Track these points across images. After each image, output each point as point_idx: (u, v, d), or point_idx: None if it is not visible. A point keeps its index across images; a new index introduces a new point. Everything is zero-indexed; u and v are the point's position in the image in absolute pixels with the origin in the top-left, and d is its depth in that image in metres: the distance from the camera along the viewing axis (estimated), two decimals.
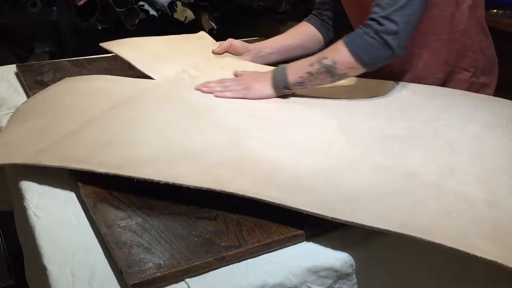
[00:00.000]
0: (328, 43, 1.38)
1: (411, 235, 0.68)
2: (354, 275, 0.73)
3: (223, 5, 2.26)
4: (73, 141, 0.89)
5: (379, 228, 0.70)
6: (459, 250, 0.66)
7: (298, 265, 0.69)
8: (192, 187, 0.77)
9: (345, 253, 0.72)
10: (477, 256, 0.65)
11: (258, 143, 0.92)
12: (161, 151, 0.87)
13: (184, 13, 2.14)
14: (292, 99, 1.13)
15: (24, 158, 0.84)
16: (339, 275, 0.71)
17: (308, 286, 0.69)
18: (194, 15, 2.17)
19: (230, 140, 0.92)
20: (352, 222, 0.71)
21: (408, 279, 0.78)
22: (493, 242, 0.68)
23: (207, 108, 1.05)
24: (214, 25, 2.15)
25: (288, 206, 0.73)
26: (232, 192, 0.76)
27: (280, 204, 0.74)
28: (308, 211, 0.72)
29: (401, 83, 1.22)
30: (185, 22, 2.14)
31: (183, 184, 0.77)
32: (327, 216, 0.72)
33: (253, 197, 0.75)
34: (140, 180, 0.78)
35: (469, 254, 0.66)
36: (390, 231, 0.70)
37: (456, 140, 0.93)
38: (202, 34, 1.44)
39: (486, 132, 0.97)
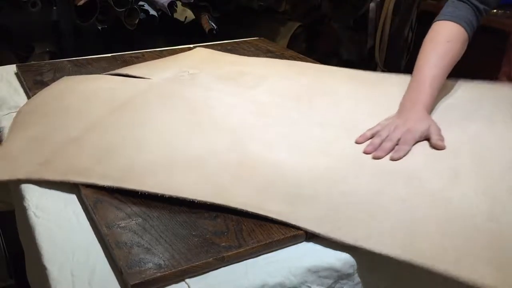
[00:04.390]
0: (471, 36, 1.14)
1: (413, 262, 0.68)
2: (355, 275, 0.73)
3: (223, 5, 2.26)
4: (74, 151, 0.89)
5: (382, 254, 0.69)
6: (463, 280, 0.65)
7: (298, 265, 0.69)
8: (196, 201, 0.76)
9: (346, 253, 0.72)
10: (477, 283, 0.64)
11: (260, 145, 0.91)
12: (162, 159, 0.87)
13: (184, 13, 2.14)
14: (293, 99, 1.13)
15: (26, 172, 0.84)
16: (340, 275, 0.71)
17: (308, 286, 0.69)
18: (194, 15, 2.17)
19: (231, 142, 0.92)
20: (351, 244, 0.70)
21: (409, 279, 0.78)
22: (492, 269, 0.67)
23: (208, 105, 1.05)
24: (214, 25, 2.14)
25: (289, 223, 0.73)
26: (234, 207, 0.75)
27: (279, 220, 0.73)
28: (313, 231, 0.72)
29: (400, 76, 1.21)
30: (185, 22, 2.14)
31: (185, 198, 0.77)
32: (331, 238, 0.71)
33: (252, 212, 0.75)
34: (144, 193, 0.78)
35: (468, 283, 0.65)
36: (392, 256, 0.69)
37: (458, 143, 0.92)
38: (199, 48, 1.44)
39: (487, 132, 0.96)
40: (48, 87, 1.16)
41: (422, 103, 1.00)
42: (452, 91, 1.15)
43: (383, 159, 0.89)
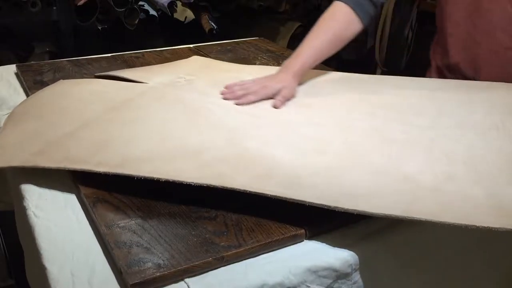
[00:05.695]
0: (366, 25, 1.21)
1: (415, 218, 0.69)
2: (353, 275, 0.73)
3: (223, 5, 2.26)
4: (70, 142, 0.89)
5: (384, 214, 0.70)
6: (464, 224, 0.67)
7: (297, 264, 0.69)
8: (193, 184, 0.77)
9: (345, 253, 0.72)
10: (484, 227, 0.66)
11: (257, 142, 0.92)
12: (160, 149, 0.88)
13: (184, 13, 2.15)
14: (288, 101, 1.12)
15: (21, 161, 0.84)
16: (338, 275, 0.71)
17: (307, 286, 0.69)
18: (194, 15, 2.17)
19: (229, 138, 0.93)
20: (356, 210, 0.71)
21: (408, 278, 0.79)
22: (497, 216, 0.69)
23: (205, 107, 1.06)
24: (214, 25, 2.15)
25: (290, 199, 0.73)
26: (232, 188, 0.76)
27: (282, 197, 0.74)
28: (311, 203, 0.72)
29: (394, 77, 1.24)
30: (185, 22, 2.14)
31: (183, 181, 0.77)
32: (330, 206, 0.72)
33: (254, 192, 0.75)
34: (140, 178, 0.78)
35: (475, 226, 0.67)
36: (393, 215, 0.70)
37: (452, 151, 0.91)
38: (196, 57, 1.44)
39: (481, 139, 0.95)
40: (43, 89, 1.16)
41: (291, 69, 1.13)
42: (447, 93, 1.15)
43: (378, 160, 0.88)
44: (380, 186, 0.80)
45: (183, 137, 0.92)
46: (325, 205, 0.72)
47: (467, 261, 0.83)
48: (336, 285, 0.72)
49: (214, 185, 0.76)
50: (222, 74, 1.28)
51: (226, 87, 1.13)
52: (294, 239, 0.73)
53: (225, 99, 1.09)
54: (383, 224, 0.76)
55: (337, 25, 1.18)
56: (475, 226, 0.67)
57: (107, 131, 0.94)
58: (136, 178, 0.78)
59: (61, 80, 1.22)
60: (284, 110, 1.07)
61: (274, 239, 0.72)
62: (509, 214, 0.71)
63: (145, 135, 0.92)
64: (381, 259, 0.75)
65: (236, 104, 1.06)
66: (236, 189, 0.76)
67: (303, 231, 0.74)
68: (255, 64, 1.41)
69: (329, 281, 0.71)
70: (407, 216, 0.70)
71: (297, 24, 2.36)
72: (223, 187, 0.76)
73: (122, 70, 1.31)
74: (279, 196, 0.74)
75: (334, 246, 0.73)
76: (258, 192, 0.75)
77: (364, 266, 0.73)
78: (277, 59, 1.45)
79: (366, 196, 0.76)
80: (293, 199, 0.73)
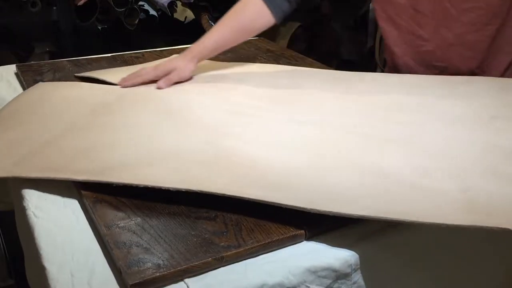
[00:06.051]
0: (278, 20, 1.23)
1: (389, 218, 0.69)
2: (352, 275, 0.73)
3: (223, 5, 2.26)
4: (50, 151, 0.89)
5: (360, 216, 0.70)
6: (437, 223, 0.67)
7: (297, 265, 0.69)
8: (171, 189, 0.77)
9: (345, 253, 0.72)
10: (453, 225, 0.67)
11: (236, 141, 0.92)
12: (139, 153, 0.88)
13: (184, 13, 2.15)
14: (272, 100, 1.12)
15: (3, 172, 0.84)
16: (338, 275, 0.71)
17: (307, 286, 0.69)
18: (194, 15, 2.17)
19: (208, 138, 0.93)
20: (331, 212, 0.71)
21: (408, 278, 0.79)
22: (468, 213, 0.70)
23: (185, 107, 1.06)
24: (214, 25, 2.15)
25: (269, 202, 0.73)
26: (210, 192, 0.76)
27: (260, 201, 0.74)
28: (288, 205, 0.73)
29: (384, 74, 1.24)
30: (185, 22, 2.14)
31: (161, 187, 0.77)
32: (306, 208, 0.72)
33: (233, 195, 0.75)
34: (120, 185, 0.78)
35: (446, 225, 0.67)
36: (367, 216, 0.70)
37: (430, 145, 0.91)
38: (176, 55, 1.44)
39: (461, 131, 0.95)
40: (22, 93, 1.16)
41: (189, 53, 1.20)
42: (429, 88, 1.14)
43: (357, 158, 0.88)
44: (359, 185, 0.80)
45: (161, 143, 0.92)
46: (301, 207, 0.72)
47: (468, 261, 0.83)
48: (335, 285, 0.72)
49: (193, 190, 0.76)
50: (204, 71, 1.27)
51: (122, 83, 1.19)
52: (293, 239, 0.73)
53: (118, 83, 1.16)
54: (383, 224, 0.76)
55: (246, 15, 1.21)
56: (446, 224, 0.67)
57: (87, 137, 0.94)
58: (115, 185, 0.79)
59: (41, 82, 1.21)
60: (266, 108, 1.07)
61: (274, 239, 0.72)
62: (479, 211, 0.71)
63: (126, 140, 0.92)
64: (381, 259, 0.75)
65: (123, 85, 1.15)
66: (214, 193, 0.76)
67: (302, 231, 0.74)
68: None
69: (328, 281, 0.71)
70: (382, 216, 0.70)
71: (297, 24, 2.36)
72: (201, 191, 0.76)
73: (102, 70, 1.31)
74: (258, 200, 0.74)
75: (333, 246, 0.73)
76: (236, 196, 0.75)
77: (364, 266, 0.73)
78: (277, 59, 1.45)
79: (345, 196, 0.76)
80: (272, 202, 0.73)
